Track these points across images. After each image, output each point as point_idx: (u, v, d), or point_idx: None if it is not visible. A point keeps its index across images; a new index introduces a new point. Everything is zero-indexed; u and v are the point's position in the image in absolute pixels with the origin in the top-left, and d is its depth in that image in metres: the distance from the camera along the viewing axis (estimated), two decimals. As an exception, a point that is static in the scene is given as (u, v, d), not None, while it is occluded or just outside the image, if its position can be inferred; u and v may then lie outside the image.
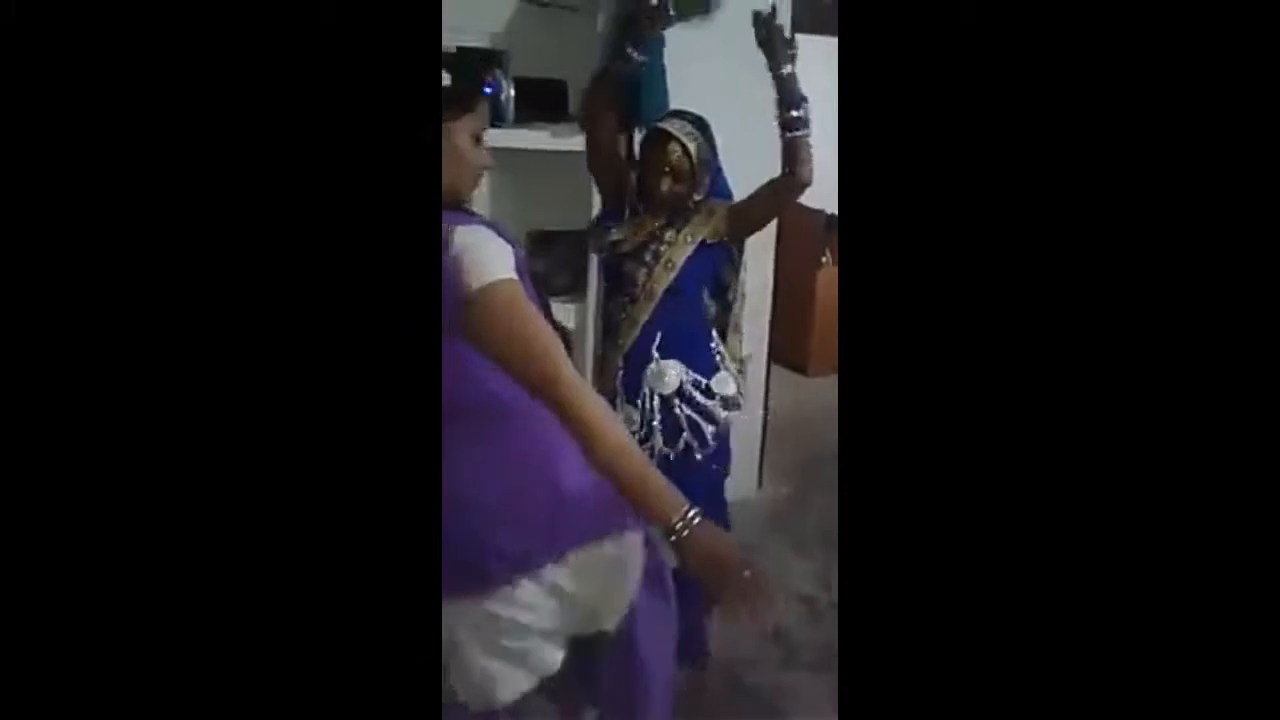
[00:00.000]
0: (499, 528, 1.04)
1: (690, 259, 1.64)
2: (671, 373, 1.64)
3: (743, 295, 1.80)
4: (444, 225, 0.94)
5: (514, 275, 0.97)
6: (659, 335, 1.65)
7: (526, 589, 1.07)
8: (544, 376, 0.93)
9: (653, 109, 1.91)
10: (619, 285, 1.70)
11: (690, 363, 1.66)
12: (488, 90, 2.07)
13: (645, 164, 1.66)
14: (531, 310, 0.97)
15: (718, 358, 1.71)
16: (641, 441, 1.62)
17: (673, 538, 0.91)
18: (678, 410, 1.64)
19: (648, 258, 1.65)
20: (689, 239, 1.65)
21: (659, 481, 0.95)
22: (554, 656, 1.13)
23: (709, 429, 1.66)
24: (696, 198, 1.66)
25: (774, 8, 1.67)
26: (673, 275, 1.64)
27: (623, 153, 1.88)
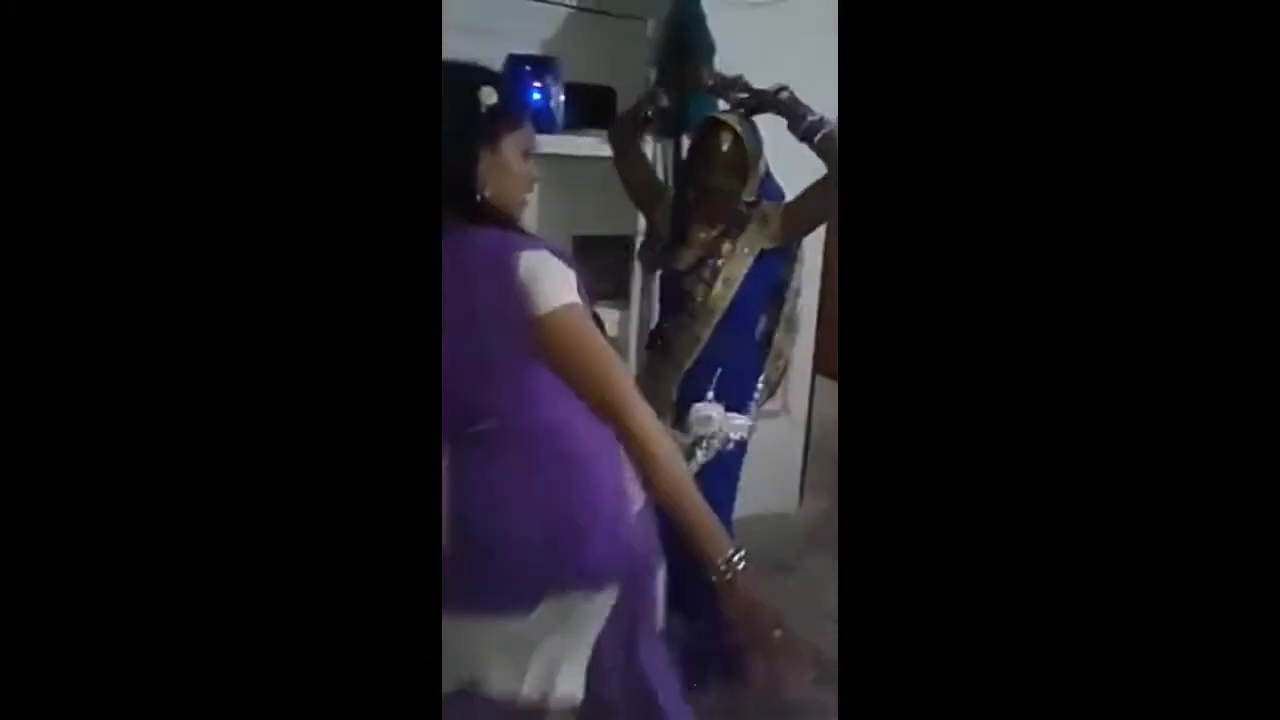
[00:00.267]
0: (527, 552, 1.06)
1: (750, 272, 1.61)
2: (714, 418, 1.62)
3: (797, 291, 1.75)
4: (510, 249, 0.97)
5: (579, 299, 0.99)
6: (719, 372, 1.62)
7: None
8: (612, 403, 0.96)
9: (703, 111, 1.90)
10: (678, 303, 1.67)
11: (732, 403, 1.64)
12: (536, 97, 2.09)
13: (696, 155, 1.62)
14: (597, 334, 1.00)
15: (754, 399, 1.69)
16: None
17: (715, 578, 0.93)
18: (711, 448, 1.64)
19: (705, 274, 1.61)
20: (746, 250, 1.60)
21: (712, 521, 0.97)
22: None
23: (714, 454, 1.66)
24: (748, 198, 1.61)
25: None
26: (733, 291, 1.60)
27: (659, 175, 1.87)
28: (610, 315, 2.32)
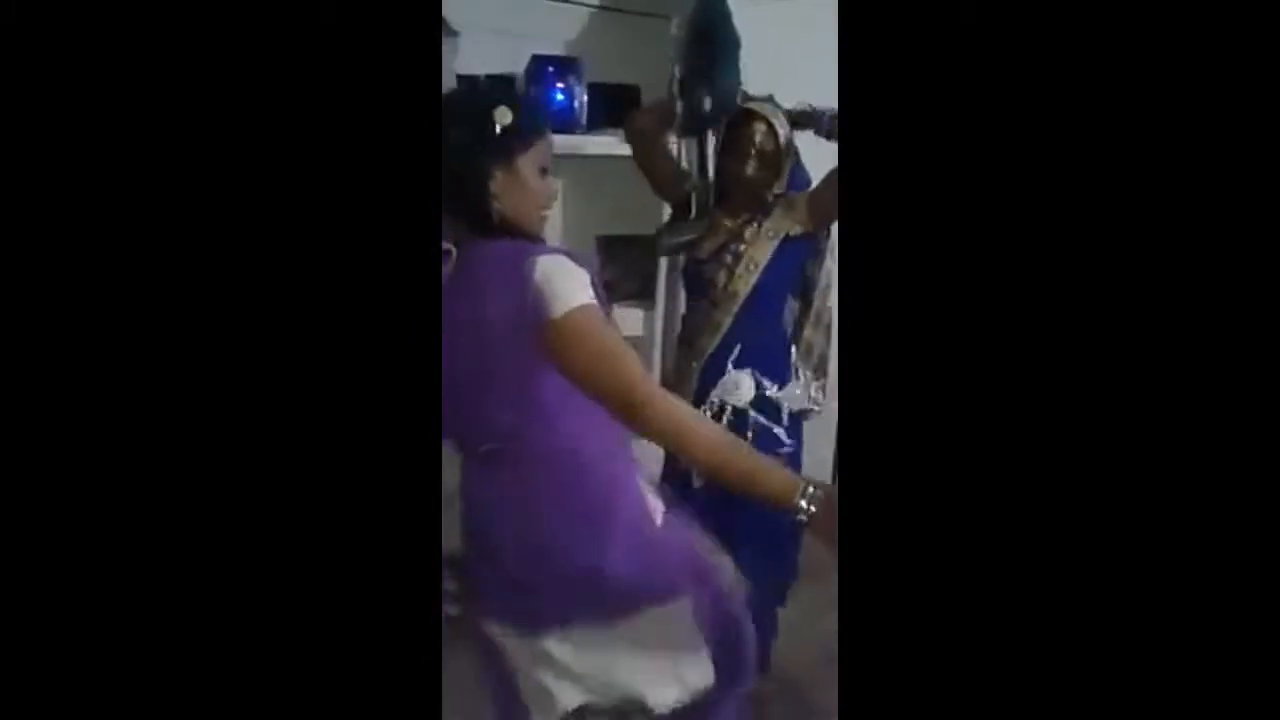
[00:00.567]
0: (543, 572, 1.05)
1: (774, 257, 1.59)
2: (746, 383, 1.59)
3: (829, 286, 1.72)
4: (524, 255, 0.97)
5: (593, 300, 0.98)
6: (738, 348, 1.60)
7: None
8: (632, 397, 0.95)
9: (729, 84, 1.88)
10: (699, 289, 1.66)
11: (765, 371, 1.61)
12: (560, 98, 2.08)
13: (729, 148, 1.61)
14: (613, 332, 0.98)
15: (793, 369, 1.66)
16: None
17: (802, 517, 0.91)
18: (751, 419, 1.60)
19: (728, 259, 1.60)
20: (770, 235, 1.59)
21: (766, 468, 0.95)
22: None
23: (780, 432, 1.61)
24: (777, 191, 1.60)
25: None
26: (755, 276, 1.59)
27: (679, 161, 1.86)
28: (635, 315, 2.32)
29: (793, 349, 1.69)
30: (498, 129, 0.99)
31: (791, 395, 1.64)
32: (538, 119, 1.05)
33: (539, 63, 2.07)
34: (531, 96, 1.06)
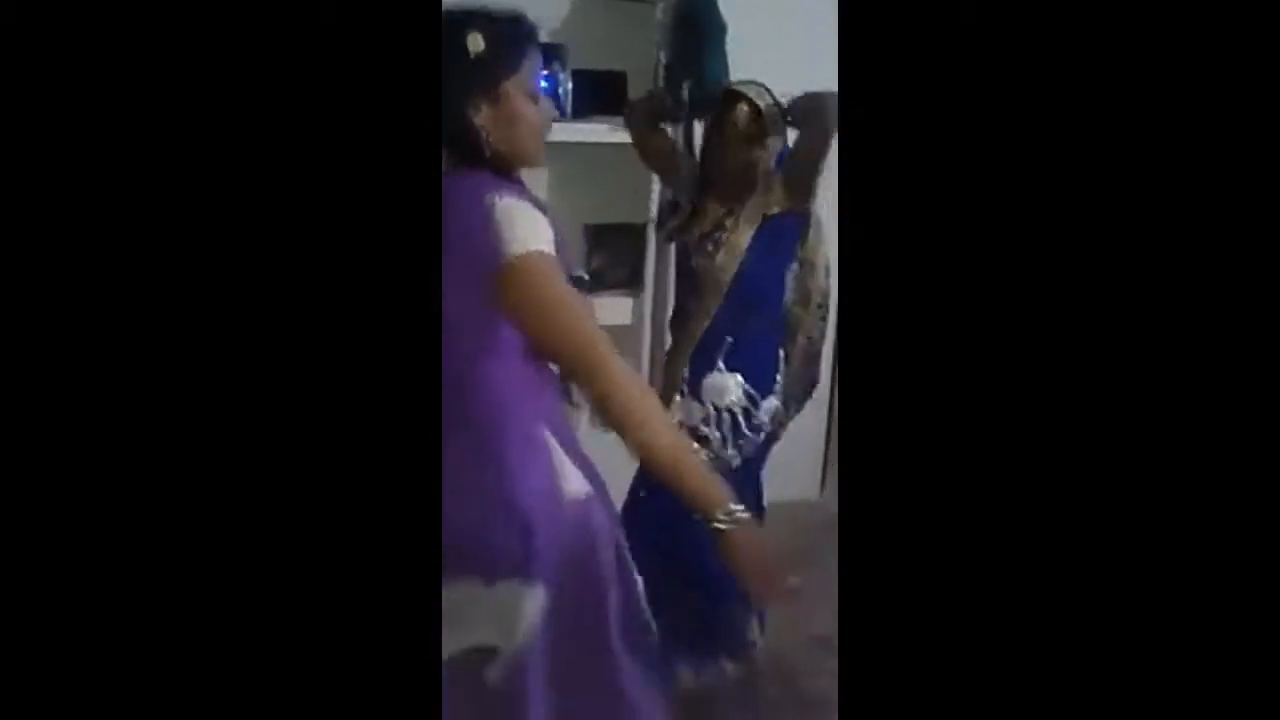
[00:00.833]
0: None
1: (756, 240, 1.57)
2: (732, 386, 1.59)
3: (824, 268, 1.68)
4: (487, 194, 0.92)
5: (553, 250, 0.93)
6: (728, 341, 1.59)
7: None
8: (583, 357, 0.91)
9: (715, 69, 1.87)
10: (689, 275, 1.66)
11: (752, 377, 1.61)
12: (544, 85, 2.05)
13: (714, 129, 1.59)
14: (569, 287, 0.94)
15: (777, 376, 1.65)
16: (698, 439, 1.59)
17: (714, 526, 0.90)
18: (727, 419, 1.60)
19: (709, 246, 1.60)
20: (750, 217, 1.58)
21: (700, 469, 0.93)
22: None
23: (752, 439, 1.62)
24: (765, 170, 1.58)
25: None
26: (738, 260, 1.57)
27: (680, 147, 1.85)
28: (624, 303, 2.30)
29: (780, 351, 1.67)
30: (471, 56, 0.93)
31: (771, 409, 1.64)
32: (517, 41, 0.99)
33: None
34: (507, 20, 0.98)
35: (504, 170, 0.99)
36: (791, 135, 1.64)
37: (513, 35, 0.98)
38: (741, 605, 1.73)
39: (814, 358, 1.75)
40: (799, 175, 1.58)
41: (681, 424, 1.60)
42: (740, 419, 1.60)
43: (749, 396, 1.60)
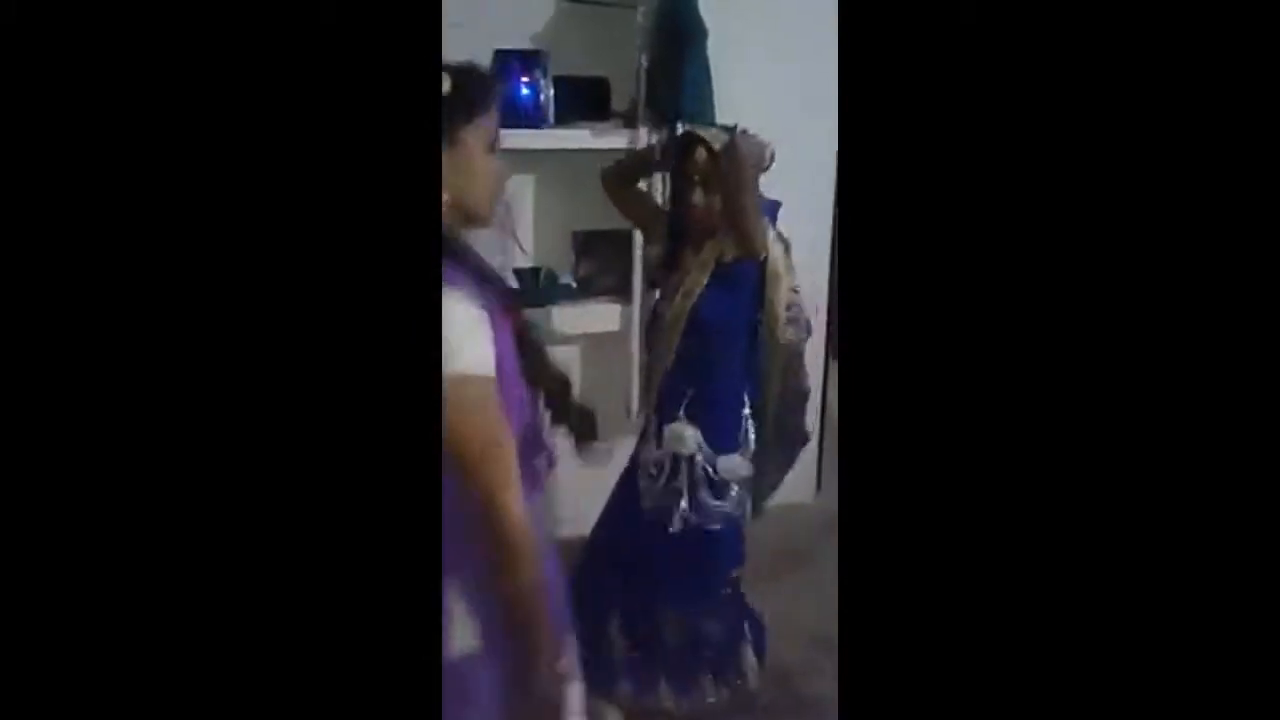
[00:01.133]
0: None
1: (711, 286, 1.54)
2: (689, 437, 1.57)
3: (784, 318, 1.62)
4: None
5: (491, 372, 0.92)
6: (689, 394, 1.57)
7: None
8: (488, 479, 0.92)
9: (697, 113, 1.87)
10: (653, 320, 1.65)
11: (710, 433, 1.58)
12: (525, 92, 2.04)
13: (675, 175, 1.58)
14: (500, 418, 0.93)
15: (741, 432, 1.62)
16: (653, 479, 1.60)
17: (539, 675, 0.95)
18: (684, 474, 1.58)
19: (669, 290, 1.59)
20: (703, 264, 1.55)
21: (549, 634, 0.96)
22: None
23: (714, 505, 1.59)
24: (725, 215, 1.52)
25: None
26: (690, 304, 1.55)
27: (659, 202, 1.84)
28: (612, 310, 2.29)
29: (746, 409, 1.64)
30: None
31: (732, 466, 1.60)
32: (483, 90, 0.98)
33: (503, 56, 2.03)
34: (475, 70, 0.97)
35: (452, 229, 0.97)
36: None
37: (479, 84, 0.98)
38: (734, 632, 1.73)
39: (795, 406, 1.72)
40: (732, 220, 1.52)
41: (650, 463, 1.61)
42: (701, 476, 1.58)
43: (705, 453, 1.58)
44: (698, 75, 2.02)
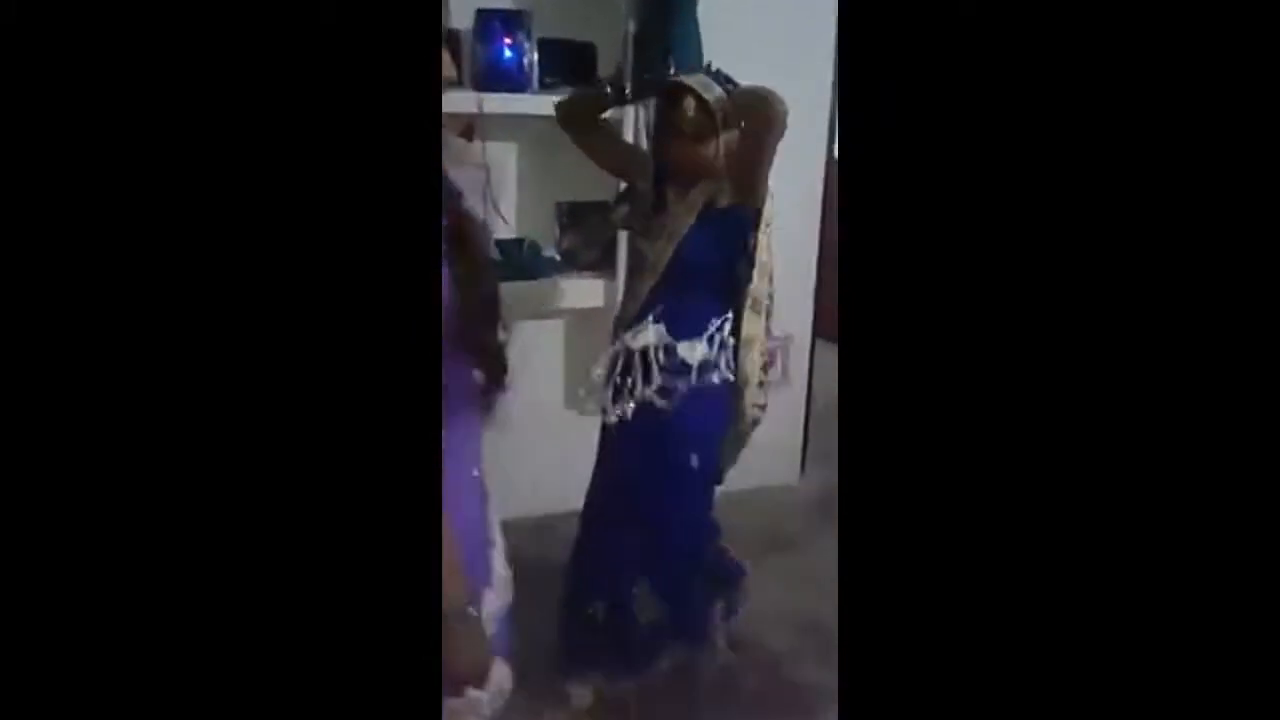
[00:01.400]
0: None
1: (698, 228, 1.51)
2: (650, 332, 1.54)
3: (760, 266, 1.59)
4: None
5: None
6: (659, 308, 1.55)
7: None
8: None
9: (685, 66, 1.79)
10: (635, 262, 1.62)
11: (675, 329, 1.55)
12: (508, 55, 1.96)
13: (660, 125, 1.53)
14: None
15: (709, 328, 1.57)
16: (617, 390, 1.57)
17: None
18: (640, 363, 1.55)
19: (652, 233, 1.55)
20: (690, 206, 1.52)
21: (456, 569, 0.86)
22: None
23: (678, 384, 1.55)
24: (716, 163, 1.50)
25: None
26: (673, 246, 1.52)
27: (629, 141, 1.79)
28: (595, 286, 2.22)
29: (717, 319, 1.59)
30: None
31: (690, 348, 1.56)
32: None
33: (485, 17, 1.94)
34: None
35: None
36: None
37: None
38: (704, 591, 1.72)
39: (753, 348, 1.66)
40: (741, 171, 1.50)
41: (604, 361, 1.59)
42: (654, 358, 1.55)
43: (665, 342, 1.55)
44: (687, 37, 1.94)
